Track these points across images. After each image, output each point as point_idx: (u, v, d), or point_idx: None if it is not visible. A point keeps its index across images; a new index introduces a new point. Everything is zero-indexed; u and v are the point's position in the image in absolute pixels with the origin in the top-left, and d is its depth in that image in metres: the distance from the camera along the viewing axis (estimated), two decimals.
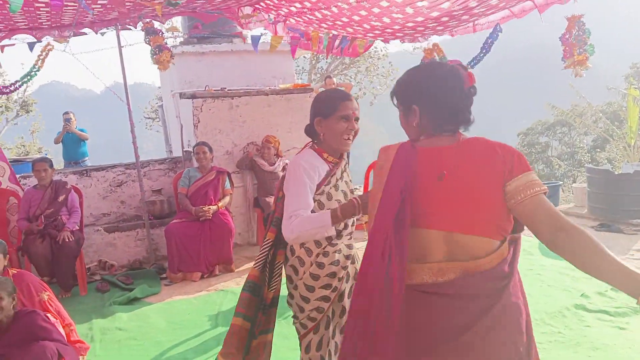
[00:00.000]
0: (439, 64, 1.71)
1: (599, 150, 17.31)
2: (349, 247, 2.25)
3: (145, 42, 5.08)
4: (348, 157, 8.08)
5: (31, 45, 5.08)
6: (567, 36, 4.75)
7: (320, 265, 2.13)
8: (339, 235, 2.16)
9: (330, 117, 2.09)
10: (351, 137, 2.14)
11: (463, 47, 5.85)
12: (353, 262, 2.28)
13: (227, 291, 4.61)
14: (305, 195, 2.04)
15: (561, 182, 9.35)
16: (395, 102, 1.72)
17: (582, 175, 15.41)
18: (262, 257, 2.21)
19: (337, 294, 2.17)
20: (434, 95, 1.61)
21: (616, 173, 6.48)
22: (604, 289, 4.11)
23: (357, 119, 2.13)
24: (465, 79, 1.62)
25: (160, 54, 4.96)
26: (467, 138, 1.62)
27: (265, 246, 2.22)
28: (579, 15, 4.68)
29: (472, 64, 5.31)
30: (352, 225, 2.28)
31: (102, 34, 5.38)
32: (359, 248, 5.24)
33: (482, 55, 5.16)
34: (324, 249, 2.13)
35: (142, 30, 5.07)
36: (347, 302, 2.22)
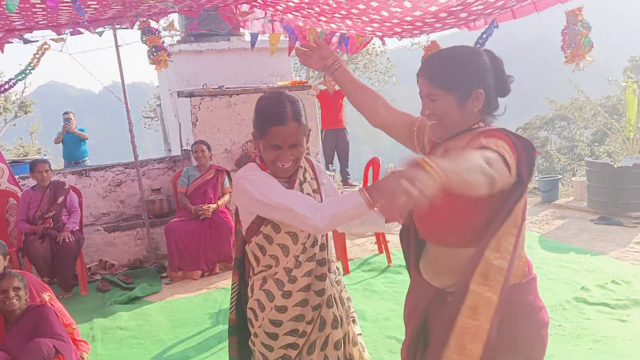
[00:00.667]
0: (473, 49, 1.58)
1: (598, 144, 17.29)
2: (321, 278, 1.76)
3: (142, 42, 5.08)
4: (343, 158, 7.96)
5: (26, 40, 5.05)
6: (566, 30, 4.75)
7: (282, 310, 1.71)
8: (297, 263, 1.71)
9: (261, 139, 1.70)
10: (287, 165, 1.69)
11: (460, 43, 5.82)
12: (330, 306, 1.78)
13: (228, 289, 4.58)
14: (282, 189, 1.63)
15: (560, 176, 9.34)
16: (444, 88, 1.50)
17: (581, 169, 15.41)
18: (233, 301, 1.89)
19: (306, 343, 1.74)
20: (499, 72, 1.54)
21: (615, 166, 6.48)
22: (604, 282, 4.12)
23: (294, 145, 1.68)
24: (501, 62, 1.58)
25: (158, 54, 4.96)
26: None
27: (233, 292, 1.89)
28: (579, 9, 4.67)
29: None
30: (323, 250, 1.78)
31: (99, 33, 5.36)
32: (359, 244, 5.12)
33: None
34: (283, 289, 1.71)
35: (139, 30, 5.06)
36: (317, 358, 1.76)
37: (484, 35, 5.03)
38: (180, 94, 6.12)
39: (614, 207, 6.27)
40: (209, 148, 5.43)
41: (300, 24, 5.52)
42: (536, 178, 8.20)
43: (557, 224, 6.23)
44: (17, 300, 2.79)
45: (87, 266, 5.26)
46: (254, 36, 5.54)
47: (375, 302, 4.09)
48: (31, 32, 5.04)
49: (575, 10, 4.66)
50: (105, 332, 3.90)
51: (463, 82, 1.49)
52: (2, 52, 5.02)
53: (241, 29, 6.62)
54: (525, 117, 24.54)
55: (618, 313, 3.58)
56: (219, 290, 4.62)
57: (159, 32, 5.10)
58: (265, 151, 1.69)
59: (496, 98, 1.56)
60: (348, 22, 5.41)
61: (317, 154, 6.56)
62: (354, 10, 4.89)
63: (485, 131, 1.50)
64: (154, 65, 5.06)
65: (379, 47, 16.82)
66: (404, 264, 4.93)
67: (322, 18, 5.37)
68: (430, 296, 1.62)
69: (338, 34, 5.76)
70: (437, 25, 5.24)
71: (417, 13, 4.81)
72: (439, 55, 1.57)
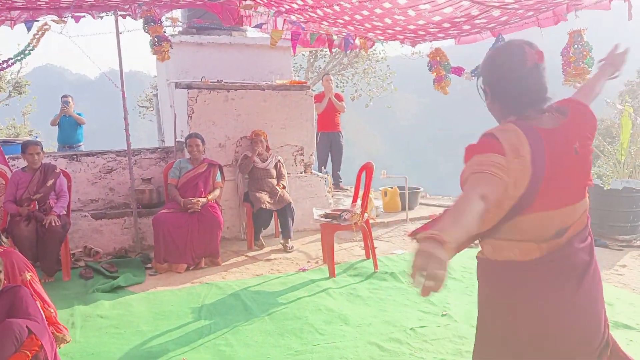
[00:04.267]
0: (503, 46, 1.71)
1: None
2: None
3: (144, 31, 5.05)
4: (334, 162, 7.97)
5: (29, 25, 5.02)
6: (567, 50, 4.78)
7: None
8: None
9: None
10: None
11: (467, 54, 5.86)
12: None
13: (212, 284, 4.59)
14: None
15: None
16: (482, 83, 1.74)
17: None
18: None
19: None
20: (497, 78, 1.67)
21: (605, 189, 6.53)
22: None
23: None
24: (529, 57, 1.61)
25: (161, 44, 4.93)
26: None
27: None
28: (581, 30, 4.70)
29: (474, 72, 5.32)
30: None
31: (101, 17, 5.32)
32: (347, 248, 5.11)
33: None
34: None
35: (142, 18, 5.03)
36: None
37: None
38: (178, 85, 6.08)
39: (601, 229, 6.31)
40: (203, 141, 5.40)
41: (303, 26, 5.52)
42: None
43: None
44: None
45: (72, 252, 5.21)
46: (259, 25, 5.51)
47: (359, 307, 4.09)
48: (33, 18, 5.01)
49: (579, 30, 4.69)
50: (86, 320, 3.86)
51: (481, 81, 1.71)
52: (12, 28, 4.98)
53: (245, 25, 6.62)
54: None
55: None
56: (202, 285, 4.59)
57: (161, 22, 5.08)
58: None
59: (510, 96, 1.64)
60: (350, 27, 5.42)
61: (311, 155, 6.55)
62: (357, 17, 4.90)
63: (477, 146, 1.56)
64: (156, 56, 5.03)
65: (380, 54, 16.85)
66: (390, 271, 4.96)
67: (324, 23, 5.38)
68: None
69: (341, 35, 5.77)
70: (440, 35, 5.27)
71: (421, 22, 4.83)
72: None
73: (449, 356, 3.24)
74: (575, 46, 4.73)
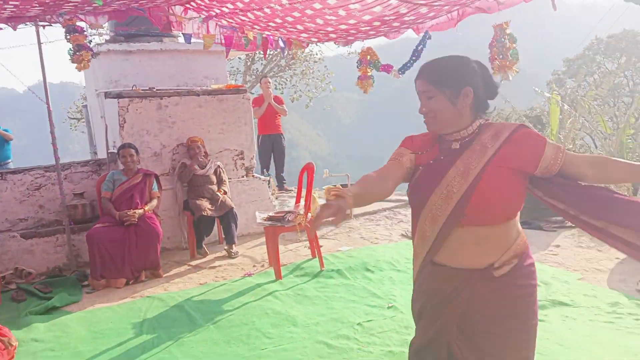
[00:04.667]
0: (467, 58, 1.84)
1: None
2: None
3: (66, 40, 4.83)
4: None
5: None
6: (494, 43, 4.94)
7: None
8: None
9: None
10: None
11: (396, 52, 5.99)
12: None
13: (154, 297, 4.44)
14: None
15: None
16: (438, 86, 1.76)
17: None
18: None
19: None
20: (486, 76, 1.81)
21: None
22: None
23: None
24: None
25: (80, 53, 4.73)
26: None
27: None
28: (506, 23, 4.88)
29: (402, 70, 5.43)
30: None
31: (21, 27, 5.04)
32: (293, 249, 5.07)
33: (412, 61, 5.28)
34: None
35: (63, 28, 4.81)
36: None
37: (419, 47, 5.17)
38: (107, 95, 5.86)
39: (535, 211, 6.57)
40: (137, 151, 5.23)
41: (236, 28, 5.44)
42: None
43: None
44: None
45: (1, 275, 4.91)
46: (188, 37, 5.41)
47: (307, 307, 4.07)
48: None
49: (502, 24, 4.87)
50: (19, 345, 3.62)
51: (454, 81, 1.75)
52: None
53: (175, 32, 6.46)
54: None
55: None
56: (144, 299, 4.44)
57: (84, 30, 4.88)
58: None
59: (486, 99, 1.82)
60: (283, 30, 5.39)
61: (252, 158, 6.48)
62: (288, 19, 4.89)
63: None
64: (75, 66, 4.82)
65: (317, 54, 16.95)
66: (337, 268, 4.98)
67: (256, 27, 5.33)
68: (469, 280, 1.75)
69: (277, 38, 5.74)
70: (371, 32, 5.34)
71: (352, 21, 4.87)
72: (435, 61, 1.81)
73: (395, 347, 3.28)
74: (500, 39, 4.90)
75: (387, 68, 5.53)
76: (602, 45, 23.87)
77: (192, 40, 5.49)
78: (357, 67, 5.70)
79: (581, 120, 9.14)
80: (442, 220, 1.74)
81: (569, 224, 6.37)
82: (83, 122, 15.67)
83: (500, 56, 4.56)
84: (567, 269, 4.77)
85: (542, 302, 3.91)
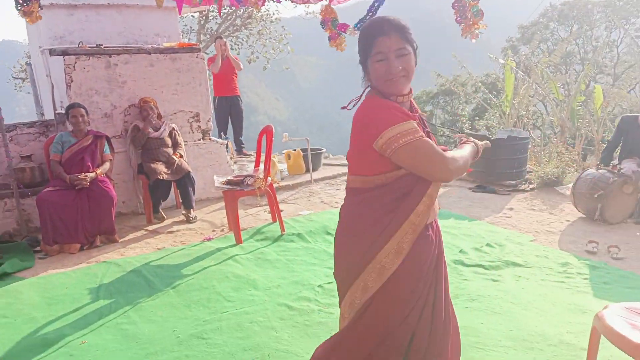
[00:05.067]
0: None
1: (478, 118, 18.53)
2: None
3: None
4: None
5: None
6: (455, 5, 4.89)
7: None
8: None
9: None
10: None
11: (353, 12, 5.89)
12: None
13: (110, 262, 4.33)
14: None
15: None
16: (409, 43, 1.73)
17: None
18: None
19: None
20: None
21: (492, 138, 6.96)
22: (480, 245, 4.42)
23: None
24: None
25: (28, 4, 4.41)
26: None
27: None
28: None
29: (357, 25, 5.34)
30: None
31: None
32: (253, 214, 4.98)
33: (367, 17, 5.19)
34: None
35: None
36: None
37: (376, 4, 5.07)
38: (52, 52, 5.52)
39: (489, 176, 6.75)
40: (87, 112, 5.00)
41: None
42: None
43: (440, 192, 6.59)
44: None
45: None
46: None
47: (267, 270, 4.06)
48: None
49: None
50: None
51: (413, 39, 1.73)
52: None
53: None
54: (413, 92, 25.68)
55: (491, 274, 3.87)
56: (99, 264, 4.32)
57: None
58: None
59: None
60: None
61: (208, 121, 6.31)
62: None
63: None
64: (25, 19, 4.50)
65: (274, 14, 16.52)
66: (297, 232, 4.97)
67: None
68: (438, 230, 1.90)
69: None
70: None
71: None
72: (396, 19, 1.73)
73: None
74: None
75: (344, 27, 5.44)
76: (556, 12, 24.33)
77: None
78: (322, 27, 5.56)
79: (534, 87, 9.34)
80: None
81: (522, 187, 6.57)
82: (28, 82, 14.85)
83: (463, 16, 4.51)
84: (520, 231, 4.93)
85: (496, 262, 4.04)
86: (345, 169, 7.37)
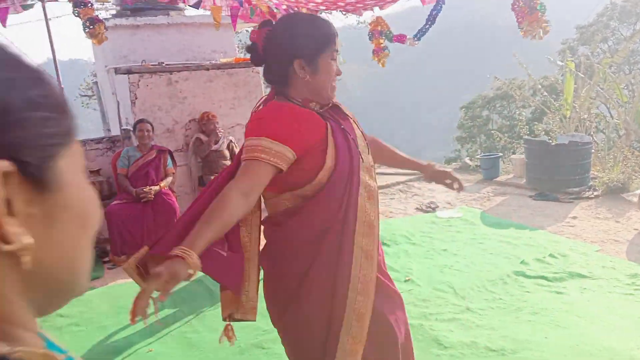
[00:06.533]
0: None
1: (536, 122, 17.94)
2: None
3: (75, 15, 4.78)
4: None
5: None
6: (516, 4, 4.68)
7: None
8: None
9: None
10: None
11: (409, 21, 5.87)
12: None
13: None
14: None
15: (501, 154, 9.63)
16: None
17: (521, 147, 15.99)
18: None
19: None
20: None
21: (552, 144, 6.74)
22: (542, 256, 4.29)
23: None
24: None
25: (94, 27, 4.68)
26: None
27: None
28: None
29: (417, 36, 5.30)
30: None
31: (25, 7, 4.99)
32: None
33: (427, 27, 5.14)
34: None
35: (70, 2, 4.75)
36: None
37: (434, 12, 5.02)
38: (117, 71, 5.83)
39: (551, 183, 6.53)
40: (152, 127, 5.24)
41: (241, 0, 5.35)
42: (478, 156, 8.43)
43: (497, 201, 6.44)
44: None
45: None
46: (197, 4, 5.31)
47: None
48: None
49: None
50: (44, 320, 3.71)
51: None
52: None
53: (180, 4, 6.37)
54: (468, 97, 25.17)
55: (555, 285, 3.74)
56: None
57: (92, 4, 4.82)
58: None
59: None
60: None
61: None
62: None
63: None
64: (92, 40, 4.78)
65: None
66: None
67: None
68: None
69: (282, 7, 5.63)
70: (380, 2, 5.22)
71: None
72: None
73: (414, 320, 3.30)
74: None
75: (401, 38, 5.40)
76: (617, 11, 23.27)
77: (198, 12, 5.41)
78: (370, 39, 5.57)
79: (596, 89, 8.98)
80: None
81: (586, 195, 6.32)
82: (94, 99, 15.67)
83: (530, 12, 4.25)
84: (585, 240, 4.74)
85: (560, 274, 3.91)
86: (399, 178, 7.34)
